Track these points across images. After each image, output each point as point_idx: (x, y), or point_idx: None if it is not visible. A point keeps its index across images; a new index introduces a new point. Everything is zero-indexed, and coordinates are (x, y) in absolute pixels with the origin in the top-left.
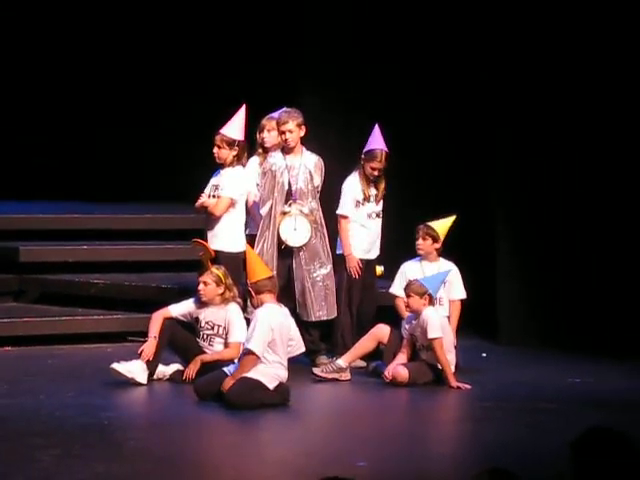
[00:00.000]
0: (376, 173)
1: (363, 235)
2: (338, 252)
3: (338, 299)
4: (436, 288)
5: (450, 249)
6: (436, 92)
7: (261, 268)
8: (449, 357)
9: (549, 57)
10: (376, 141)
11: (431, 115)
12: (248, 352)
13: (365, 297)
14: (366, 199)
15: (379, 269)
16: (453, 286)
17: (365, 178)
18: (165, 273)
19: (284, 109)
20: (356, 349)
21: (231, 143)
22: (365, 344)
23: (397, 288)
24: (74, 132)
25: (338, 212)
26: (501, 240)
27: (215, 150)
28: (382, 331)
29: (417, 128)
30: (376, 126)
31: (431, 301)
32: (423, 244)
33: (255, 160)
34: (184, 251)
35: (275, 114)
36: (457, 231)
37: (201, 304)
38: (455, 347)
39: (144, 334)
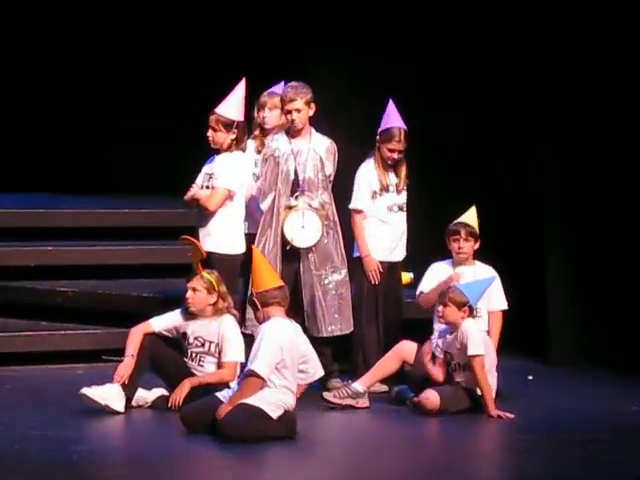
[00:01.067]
0: (395, 156)
1: (383, 232)
2: (355, 255)
3: (358, 311)
4: (477, 297)
5: (484, 250)
6: (472, 74)
7: (271, 276)
8: (490, 380)
9: (604, 50)
10: (392, 119)
11: (466, 96)
12: (251, 374)
13: (388, 308)
14: (384, 189)
15: (407, 276)
16: (493, 294)
17: (382, 164)
18: (147, 279)
19: (290, 83)
20: (376, 370)
21: (228, 125)
22: (387, 364)
23: (425, 286)
24: (47, 120)
25: (351, 206)
26: (551, 247)
27: (209, 133)
28: (407, 349)
29: (450, 110)
30: (390, 102)
31: (471, 313)
32: (467, 247)
33: (252, 144)
34: (170, 253)
35: (276, 89)
36: (495, 231)
37: (189, 316)
38: (497, 369)
39: (121, 352)
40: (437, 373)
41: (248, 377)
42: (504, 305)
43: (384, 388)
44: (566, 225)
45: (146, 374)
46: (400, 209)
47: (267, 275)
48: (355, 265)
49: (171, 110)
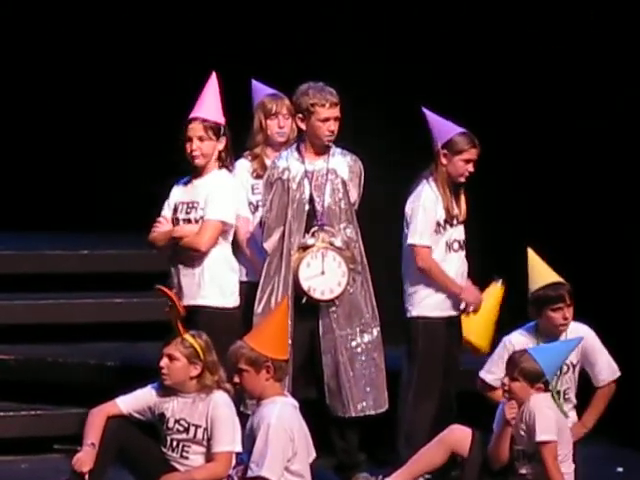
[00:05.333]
0: (472, 168)
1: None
2: (411, 314)
3: (406, 385)
4: (555, 368)
5: None
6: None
7: (286, 343)
8: (565, 473)
9: None
10: (448, 125)
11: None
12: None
13: (444, 378)
14: (449, 221)
15: (497, 287)
16: (597, 361)
17: (449, 187)
18: (110, 343)
19: (315, 84)
20: (415, 464)
21: (218, 131)
22: (430, 456)
23: (495, 375)
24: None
25: (415, 241)
26: None
27: (195, 145)
28: (458, 436)
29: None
30: (427, 111)
31: (546, 389)
32: (571, 312)
33: (245, 166)
34: (141, 308)
35: (268, 90)
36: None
37: (168, 392)
38: (574, 459)
39: (78, 440)
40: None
41: None
42: (615, 372)
43: None
44: None
45: (111, 469)
46: (461, 247)
47: (284, 340)
48: (411, 327)
49: (131, 124)
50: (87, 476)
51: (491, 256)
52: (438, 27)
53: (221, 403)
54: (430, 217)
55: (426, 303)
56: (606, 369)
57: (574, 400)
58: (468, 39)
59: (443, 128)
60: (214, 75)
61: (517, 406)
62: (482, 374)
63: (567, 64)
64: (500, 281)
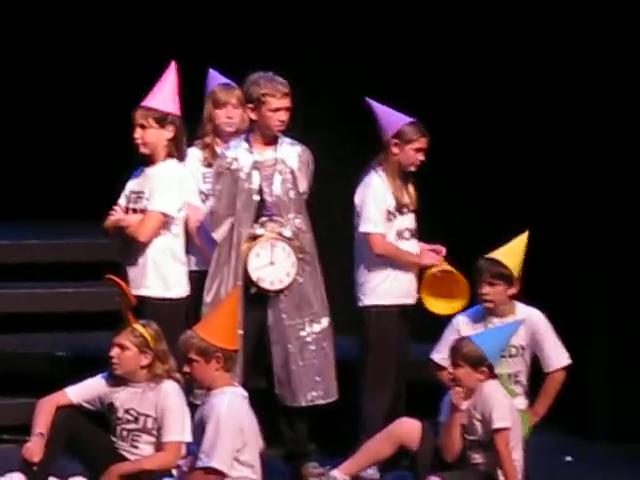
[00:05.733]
0: (422, 157)
1: (393, 266)
2: (363, 303)
3: (362, 375)
4: (498, 352)
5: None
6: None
7: (237, 333)
8: (515, 459)
9: None
10: (396, 115)
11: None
12: (210, 472)
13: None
14: (399, 209)
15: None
16: (546, 348)
17: (399, 176)
18: (59, 333)
19: (265, 74)
20: (363, 455)
21: (162, 119)
22: (377, 448)
23: (443, 354)
24: None
25: (367, 229)
26: (595, 297)
27: (137, 134)
28: (406, 429)
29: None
30: (372, 101)
31: (491, 374)
32: (491, 292)
33: (197, 154)
34: (91, 297)
35: (221, 79)
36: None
37: (117, 382)
38: (524, 448)
39: (25, 431)
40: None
41: (205, 474)
42: (565, 360)
43: (375, 476)
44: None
45: (60, 458)
46: (412, 235)
47: (234, 330)
48: (363, 316)
49: (90, 112)
50: (37, 465)
51: (442, 243)
52: (421, 22)
53: (171, 392)
54: (380, 205)
55: (379, 291)
56: (555, 355)
57: (525, 384)
58: (459, 37)
59: (391, 118)
60: (173, 64)
61: (464, 392)
62: (431, 354)
63: (567, 64)
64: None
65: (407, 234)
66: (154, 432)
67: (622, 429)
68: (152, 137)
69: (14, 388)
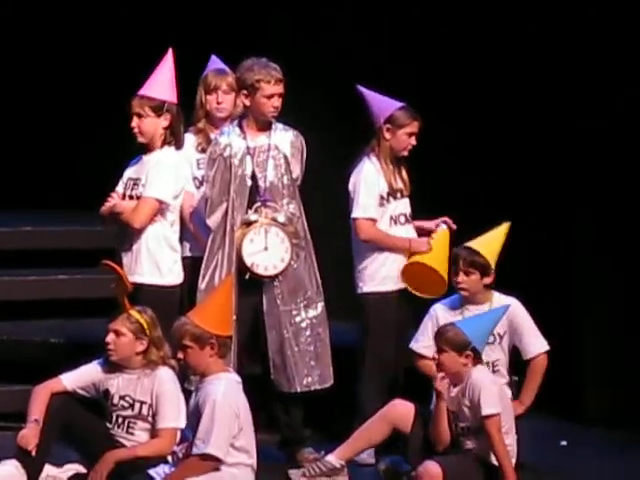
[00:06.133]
0: (414, 142)
1: (388, 252)
2: (362, 290)
3: (360, 360)
4: (483, 336)
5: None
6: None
7: (231, 319)
8: (508, 444)
9: None
10: (387, 101)
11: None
12: (206, 457)
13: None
14: (393, 194)
15: (442, 230)
16: (524, 334)
17: (392, 161)
18: (55, 320)
19: (259, 60)
20: (357, 439)
21: (158, 108)
22: (372, 431)
23: (422, 342)
24: None
25: (359, 215)
26: (592, 282)
27: (134, 122)
28: (399, 411)
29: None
30: (362, 88)
31: (476, 359)
32: (466, 280)
33: (191, 140)
34: (86, 284)
35: (218, 65)
36: (516, 254)
37: (112, 368)
38: (516, 431)
39: (21, 418)
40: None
41: (201, 460)
42: (544, 345)
43: (370, 460)
44: (605, 258)
45: (55, 445)
46: (407, 220)
47: (229, 316)
48: (362, 303)
49: (86, 100)
50: (33, 452)
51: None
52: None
53: (166, 379)
54: (372, 190)
55: (377, 277)
56: (535, 340)
57: (506, 374)
58: (456, 37)
59: (382, 104)
60: (170, 52)
61: (448, 379)
62: (411, 344)
63: (567, 64)
64: (444, 226)
65: (402, 219)
66: (149, 419)
67: (617, 414)
68: (149, 126)
69: (9, 375)
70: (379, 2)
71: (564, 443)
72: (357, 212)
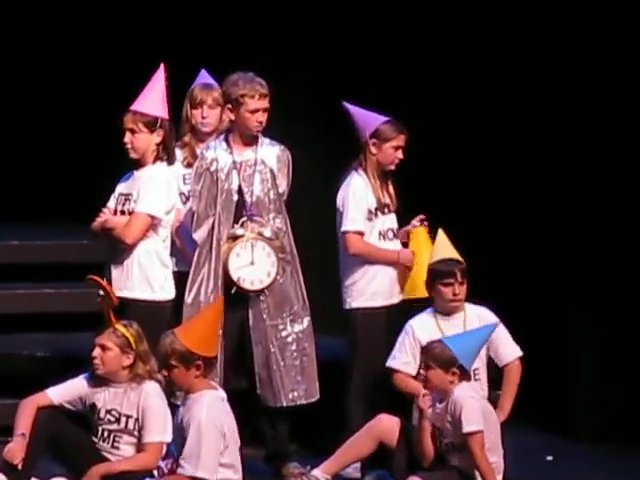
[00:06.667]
0: (401, 155)
1: (377, 266)
2: (350, 305)
3: (349, 376)
4: (471, 354)
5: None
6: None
7: (217, 341)
8: (493, 461)
9: None
10: (372, 116)
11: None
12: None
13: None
14: (381, 208)
15: (418, 230)
16: (500, 343)
17: (379, 175)
18: (41, 333)
19: (245, 74)
20: (343, 453)
21: (151, 124)
22: (358, 446)
23: (400, 359)
24: None
25: (348, 228)
26: (582, 286)
27: (127, 138)
28: (385, 426)
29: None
30: (348, 104)
31: (463, 376)
32: (463, 291)
33: (178, 155)
34: (73, 298)
35: (206, 79)
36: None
37: (99, 382)
38: (502, 446)
39: (7, 431)
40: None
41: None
42: (518, 351)
43: (356, 475)
44: (597, 258)
45: (42, 459)
46: (395, 236)
47: (216, 338)
48: (350, 318)
49: (78, 114)
50: (19, 466)
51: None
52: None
53: (152, 393)
54: (361, 204)
55: (366, 293)
56: (509, 347)
57: (485, 383)
58: (460, 42)
59: (368, 119)
60: (162, 67)
61: (434, 395)
62: (387, 362)
63: (567, 64)
64: (419, 224)
65: (390, 234)
66: (135, 433)
67: (604, 429)
68: (142, 142)
69: None
70: (370, 17)
71: (550, 458)
72: (346, 226)
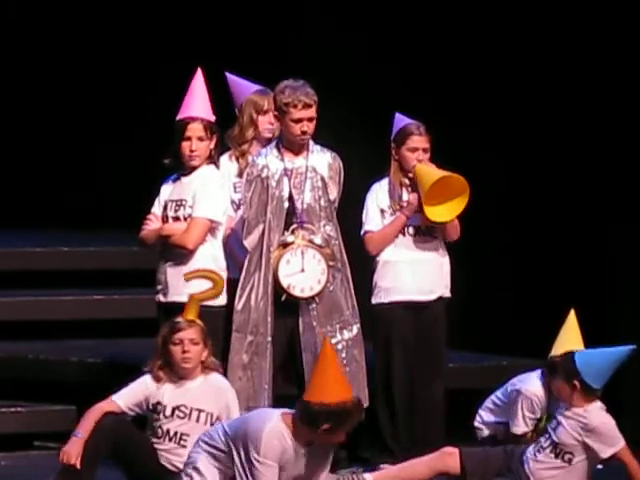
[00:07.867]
0: (420, 156)
1: (400, 258)
2: (376, 301)
3: (374, 376)
4: (597, 372)
5: None
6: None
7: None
8: None
9: None
10: (397, 120)
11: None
12: None
13: (423, 371)
14: (395, 209)
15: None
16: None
17: (401, 177)
18: (92, 340)
19: (294, 82)
20: (401, 469)
21: (212, 130)
22: (417, 470)
23: (520, 426)
24: None
25: (363, 231)
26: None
27: (195, 145)
28: (446, 460)
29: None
30: (396, 114)
31: (588, 392)
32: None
33: (227, 163)
34: (123, 305)
35: (255, 86)
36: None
37: (161, 380)
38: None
39: (58, 437)
40: None
41: None
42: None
43: None
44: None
45: (100, 467)
46: (417, 232)
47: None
48: (372, 316)
49: (121, 118)
50: (78, 465)
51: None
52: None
53: (223, 381)
54: (373, 205)
55: (382, 289)
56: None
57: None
58: (462, 42)
59: (396, 124)
60: (199, 71)
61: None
62: (514, 430)
63: (567, 64)
64: (416, 163)
65: (411, 230)
66: (207, 427)
67: None
68: (205, 149)
69: (45, 395)
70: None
71: (599, 467)
72: (362, 229)
